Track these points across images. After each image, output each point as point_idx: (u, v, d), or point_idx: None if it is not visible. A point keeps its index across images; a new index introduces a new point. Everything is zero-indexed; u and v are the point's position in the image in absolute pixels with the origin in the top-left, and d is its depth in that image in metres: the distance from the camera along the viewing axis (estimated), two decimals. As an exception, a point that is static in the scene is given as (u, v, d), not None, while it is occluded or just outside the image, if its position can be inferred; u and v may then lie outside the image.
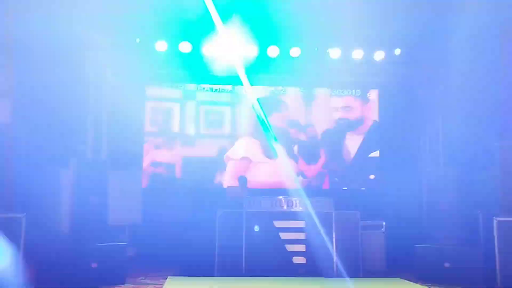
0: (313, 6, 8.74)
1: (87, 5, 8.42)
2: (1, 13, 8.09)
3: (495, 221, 7.25)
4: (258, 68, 10.18)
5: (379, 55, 10.23)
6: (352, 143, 10.71)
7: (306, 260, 7.95)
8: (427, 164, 10.15)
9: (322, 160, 10.52)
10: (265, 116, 9.96)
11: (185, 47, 9.76)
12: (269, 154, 10.31)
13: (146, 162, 10.28)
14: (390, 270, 8.72)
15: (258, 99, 10.36)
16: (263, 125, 9.84)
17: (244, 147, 10.42)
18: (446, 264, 7.56)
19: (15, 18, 8.26)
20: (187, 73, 10.25)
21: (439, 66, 10.18)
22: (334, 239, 8.02)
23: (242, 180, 9.52)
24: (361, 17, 8.66)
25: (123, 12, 8.70)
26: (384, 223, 8.96)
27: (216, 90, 10.58)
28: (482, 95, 9.89)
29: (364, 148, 10.71)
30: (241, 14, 9.20)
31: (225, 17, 8.91)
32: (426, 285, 7.34)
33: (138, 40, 9.65)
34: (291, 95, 10.75)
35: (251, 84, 10.49)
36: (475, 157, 10.74)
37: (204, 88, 10.54)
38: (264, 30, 9.69)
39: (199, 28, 9.45)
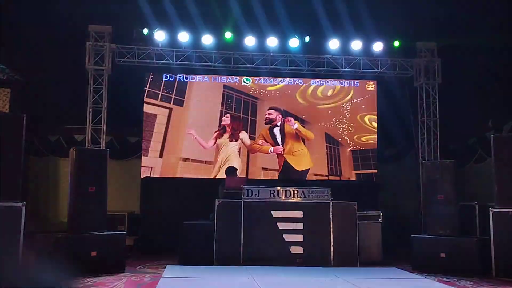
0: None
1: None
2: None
3: (490, 212, 7.32)
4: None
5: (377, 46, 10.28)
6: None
7: (304, 249, 8.02)
8: (425, 155, 10.20)
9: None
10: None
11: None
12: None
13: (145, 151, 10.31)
14: (387, 260, 8.79)
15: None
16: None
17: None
18: (442, 254, 7.63)
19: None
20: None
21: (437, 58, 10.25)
22: (331, 229, 8.07)
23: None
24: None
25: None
26: (381, 214, 9.02)
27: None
28: (478, 87, 9.94)
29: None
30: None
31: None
32: (422, 275, 7.41)
33: None
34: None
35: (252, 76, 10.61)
36: (472, 148, 10.82)
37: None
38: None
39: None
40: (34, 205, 10.71)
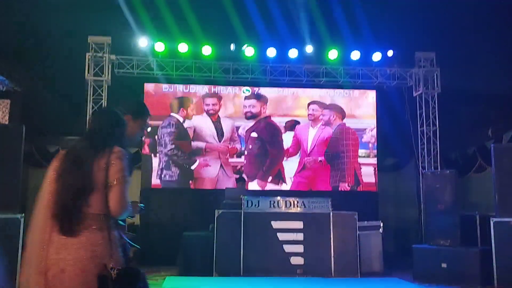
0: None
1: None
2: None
3: (491, 222, 7.30)
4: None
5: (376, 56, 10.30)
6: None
7: (304, 260, 7.98)
8: (424, 165, 10.19)
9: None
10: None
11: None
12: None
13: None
14: (388, 270, 8.75)
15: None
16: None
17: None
18: (443, 264, 7.60)
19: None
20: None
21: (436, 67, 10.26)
22: (332, 240, 8.04)
23: (241, 181, 9.53)
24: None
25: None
26: (381, 224, 8.99)
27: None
28: (477, 96, 9.95)
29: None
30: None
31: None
32: (423, 285, 7.38)
33: None
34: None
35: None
36: (472, 158, 10.81)
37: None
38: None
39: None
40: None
